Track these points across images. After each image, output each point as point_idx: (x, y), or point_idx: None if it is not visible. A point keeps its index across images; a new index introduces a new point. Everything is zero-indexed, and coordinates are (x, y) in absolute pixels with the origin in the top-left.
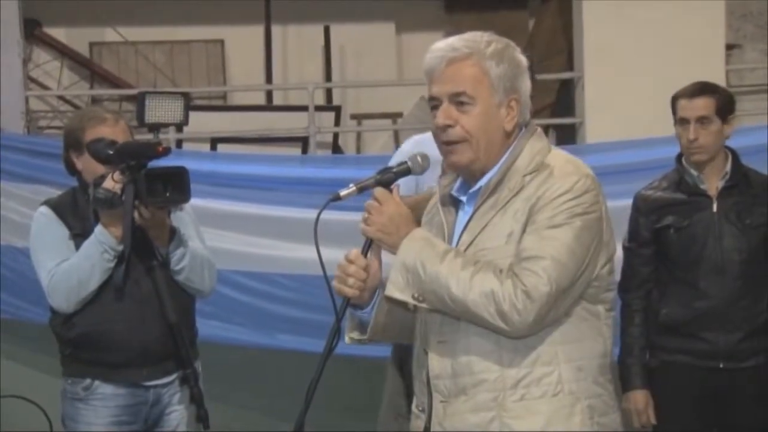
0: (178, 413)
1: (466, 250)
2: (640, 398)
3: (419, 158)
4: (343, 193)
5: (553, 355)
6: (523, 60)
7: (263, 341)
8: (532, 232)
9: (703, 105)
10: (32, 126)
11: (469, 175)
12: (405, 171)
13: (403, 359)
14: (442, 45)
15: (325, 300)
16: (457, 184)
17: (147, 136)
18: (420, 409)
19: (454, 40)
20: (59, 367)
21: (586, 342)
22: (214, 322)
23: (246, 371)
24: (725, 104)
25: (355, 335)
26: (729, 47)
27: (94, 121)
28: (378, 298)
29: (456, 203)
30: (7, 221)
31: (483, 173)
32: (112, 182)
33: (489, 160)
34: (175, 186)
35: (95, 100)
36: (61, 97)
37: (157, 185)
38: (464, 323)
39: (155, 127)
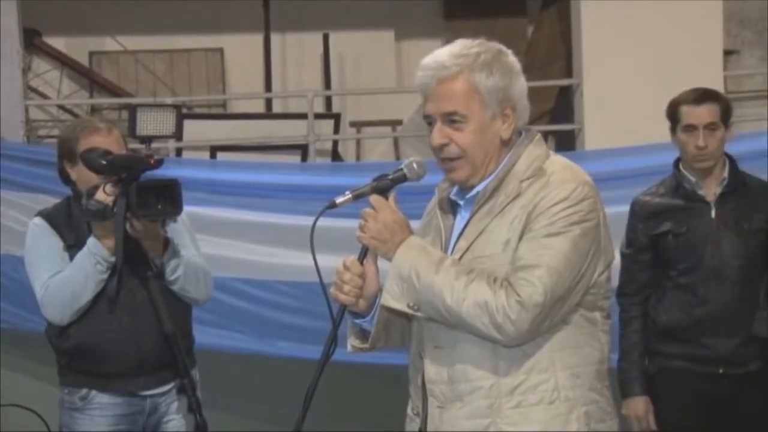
0: (176, 422)
1: (462, 256)
2: (640, 404)
3: (415, 165)
4: (339, 200)
5: (549, 362)
6: (516, 63)
7: (263, 349)
8: (528, 240)
9: (710, 111)
10: (32, 135)
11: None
12: (401, 178)
13: None
14: (431, 63)
15: (325, 307)
16: (456, 187)
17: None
18: (415, 412)
19: (444, 57)
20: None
21: (583, 349)
22: (213, 329)
23: (245, 379)
24: (727, 110)
25: (357, 343)
26: (727, 53)
27: (87, 130)
28: (377, 306)
29: (454, 207)
30: (7, 230)
31: (481, 180)
32: (104, 194)
33: (488, 170)
34: (167, 198)
35: (95, 109)
36: (60, 107)
37: (149, 197)
38: (460, 330)
39: (147, 140)
